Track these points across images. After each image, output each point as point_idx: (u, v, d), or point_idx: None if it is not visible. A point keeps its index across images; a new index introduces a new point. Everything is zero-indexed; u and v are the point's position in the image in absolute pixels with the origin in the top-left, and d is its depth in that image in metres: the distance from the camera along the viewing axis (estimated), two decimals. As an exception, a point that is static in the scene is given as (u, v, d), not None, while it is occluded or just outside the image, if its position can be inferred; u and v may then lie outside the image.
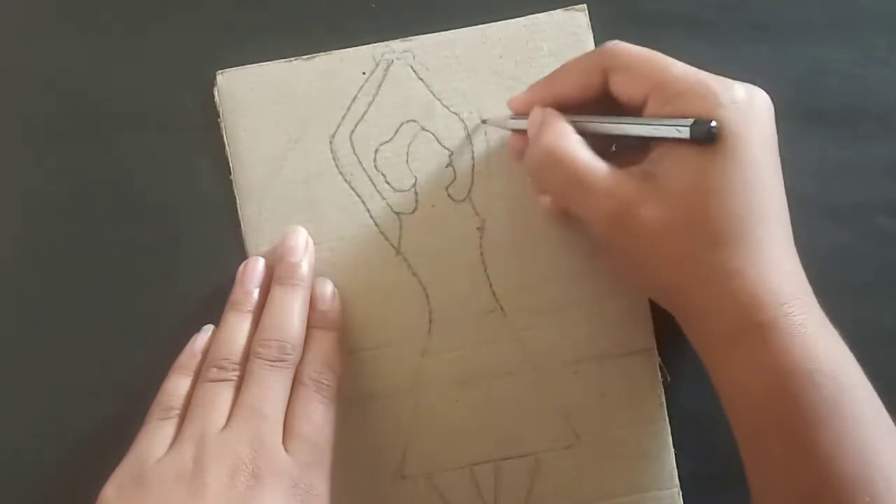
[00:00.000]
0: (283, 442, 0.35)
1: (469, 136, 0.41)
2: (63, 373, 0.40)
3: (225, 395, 0.36)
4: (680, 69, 0.34)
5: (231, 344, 0.37)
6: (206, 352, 0.38)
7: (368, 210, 0.40)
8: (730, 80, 0.33)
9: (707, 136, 0.32)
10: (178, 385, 0.37)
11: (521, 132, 0.38)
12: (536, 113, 0.37)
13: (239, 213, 0.40)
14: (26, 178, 0.41)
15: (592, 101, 0.36)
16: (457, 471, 0.40)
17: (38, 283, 0.41)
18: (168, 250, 0.41)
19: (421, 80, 0.40)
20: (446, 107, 0.40)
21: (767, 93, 0.34)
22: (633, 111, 0.35)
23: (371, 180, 0.40)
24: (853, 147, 0.42)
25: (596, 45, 0.41)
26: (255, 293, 0.38)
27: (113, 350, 0.40)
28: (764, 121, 0.33)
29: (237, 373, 0.36)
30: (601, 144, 0.36)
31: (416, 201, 0.40)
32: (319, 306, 0.39)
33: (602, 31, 0.41)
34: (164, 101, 0.41)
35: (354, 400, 0.40)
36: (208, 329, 0.39)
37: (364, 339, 0.40)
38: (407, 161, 0.40)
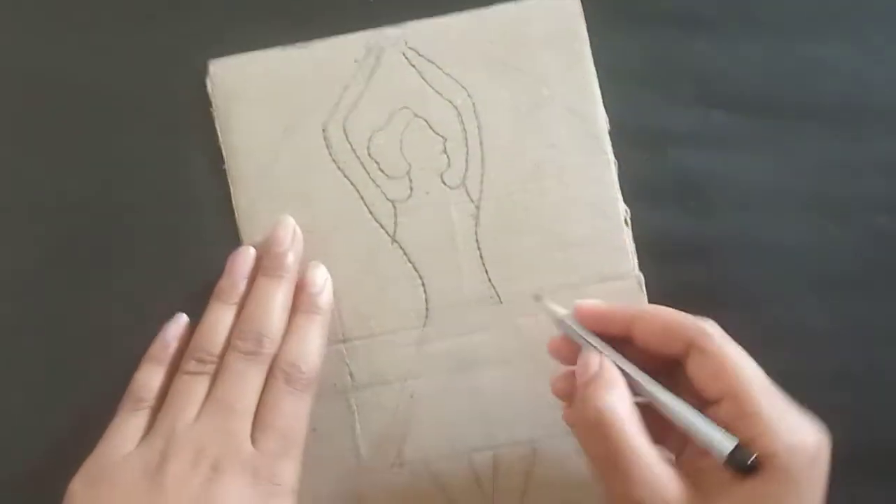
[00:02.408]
0: (253, 433, 0.35)
1: (462, 123, 0.40)
2: (61, 370, 0.40)
3: (200, 388, 0.36)
4: (760, 389, 0.31)
5: (213, 336, 0.37)
6: (179, 341, 0.38)
7: (363, 198, 0.40)
8: (804, 424, 0.31)
9: (741, 465, 0.30)
10: (149, 376, 0.37)
11: (567, 339, 0.35)
12: (594, 360, 0.33)
13: (233, 202, 0.40)
14: (24, 177, 0.41)
15: (662, 364, 0.33)
16: (454, 458, 0.40)
17: (35, 281, 0.40)
18: (161, 241, 0.40)
19: (413, 66, 0.40)
20: (439, 93, 0.40)
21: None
22: (701, 401, 0.32)
23: (365, 168, 0.40)
24: (853, 146, 0.41)
25: (588, 33, 0.40)
26: (242, 284, 0.38)
27: (108, 345, 0.40)
28: (821, 474, 0.31)
29: (215, 366, 0.36)
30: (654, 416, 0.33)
31: (411, 188, 0.40)
32: (309, 289, 0.38)
33: (596, 20, 0.40)
34: (157, 91, 0.41)
35: (351, 389, 0.40)
36: (179, 317, 0.38)
37: (360, 327, 0.40)
38: (400, 148, 0.40)
